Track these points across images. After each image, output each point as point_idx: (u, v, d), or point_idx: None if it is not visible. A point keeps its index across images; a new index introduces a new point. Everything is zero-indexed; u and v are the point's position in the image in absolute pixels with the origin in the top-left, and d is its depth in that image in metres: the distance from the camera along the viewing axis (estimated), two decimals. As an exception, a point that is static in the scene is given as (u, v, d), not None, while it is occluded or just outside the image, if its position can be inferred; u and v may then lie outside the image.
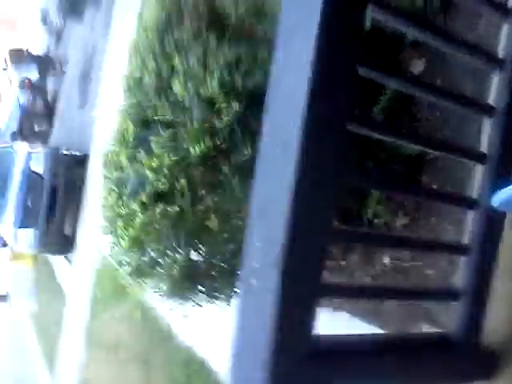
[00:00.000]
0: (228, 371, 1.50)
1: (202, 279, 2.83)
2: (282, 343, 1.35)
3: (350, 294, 1.91)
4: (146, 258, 2.81)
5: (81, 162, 8.80)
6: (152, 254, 2.76)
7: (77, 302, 8.12)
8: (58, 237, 8.92)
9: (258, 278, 1.45)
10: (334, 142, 1.35)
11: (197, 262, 2.72)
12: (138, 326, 5.69)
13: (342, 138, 1.38)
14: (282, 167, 1.33)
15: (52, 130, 13.08)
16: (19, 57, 14.05)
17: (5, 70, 15.21)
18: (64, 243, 8.97)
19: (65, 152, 9.26)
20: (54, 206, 8.79)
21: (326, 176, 1.36)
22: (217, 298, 2.84)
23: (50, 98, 14.21)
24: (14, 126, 13.03)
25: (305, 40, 1.28)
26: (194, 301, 2.87)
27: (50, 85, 14.18)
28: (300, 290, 1.43)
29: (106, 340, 6.81)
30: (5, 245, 13.93)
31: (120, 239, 2.85)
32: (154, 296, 3.15)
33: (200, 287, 2.83)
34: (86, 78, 10.20)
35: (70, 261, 9.26)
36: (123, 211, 2.73)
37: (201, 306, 2.95)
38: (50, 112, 13.59)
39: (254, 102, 2.40)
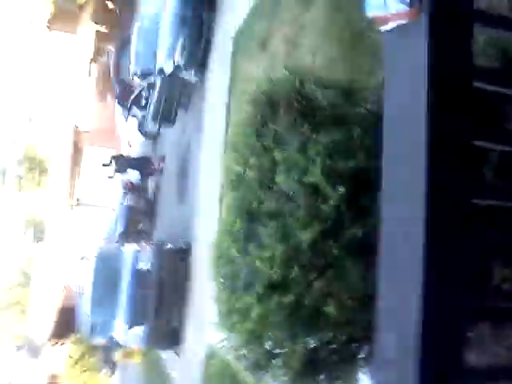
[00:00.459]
0: None
1: (322, 367, 2.76)
2: None
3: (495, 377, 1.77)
4: (262, 351, 2.78)
5: (184, 254, 9.17)
6: (269, 346, 2.74)
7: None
8: (167, 330, 9.18)
9: (393, 368, 1.41)
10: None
11: (315, 349, 2.66)
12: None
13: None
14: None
15: (154, 226, 13.88)
16: (121, 162, 15.32)
17: (111, 177, 16.67)
18: (172, 337, 9.18)
19: (169, 246, 9.70)
20: (162, 300, 9.11)
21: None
22: (339, 385, 2.74)
23: (150, 196, 15.27)
24: (121, 227, 14.00)
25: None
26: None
27: (150, 184, 15.28)
28: (441, 379, 1.36)
29: None
30: (119, 343, 14.54)
31: (236, 333, 2.87)
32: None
33: (321, 376, 2.76)
34: (182, 175, 10.89)
35: (178, 354, 9.40)
36: (238, 305, 2.76)
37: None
38: (151, 210, 14.51)
39: (358, 182, 2.44)
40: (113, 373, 18.48)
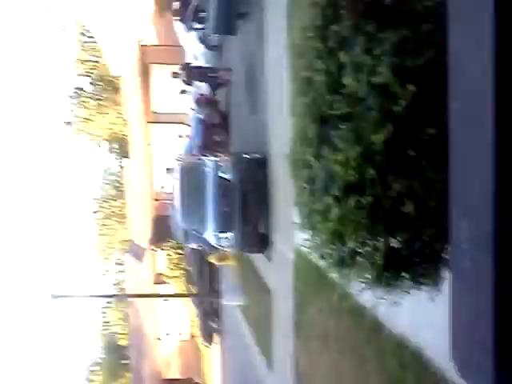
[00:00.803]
0: (450, 355, 1.50)
1: (405, 266, 2.79)
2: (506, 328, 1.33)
3: None
4: (346, 249, 2.86)
5: (262, 163, 9.37)
6: (352, 244, 2.81)
7: (281, 295, 8.64)
8: (255, 236, 9.65)
9: (469, 260, 1.45)
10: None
11: (398, 249, 2.72)
12: (344, 317, 5.77)
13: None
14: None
15: (230, 138, 14.14)
16: (188, 71, 15.35)
17: (183, 92, 16.87)
18: (261, 241, 9.65)
19: (247, 156, 9.91)
20: (246, 207, 9.48)
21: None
22: (424, 283, 2.80)
23: (222, 108, 15.40)
24: (198, 140, 14.41)
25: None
26: (400, 288, 2.85)
27: (221, 97, 15.34)
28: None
29: (314, 331, 7.07)
30: (213, 248, 15.56)
31: (318, 232, 2.97)
32: (358, 286, 3.14)
33: (405, 274, 2.80)
34: (251, 85, 10.82)
35: (268, 258, 9.87)
36: (318, 207, 2.85)
37: (408, 292, 2.92)
38: (225, 121, 14.70)
39: (428, 80, 2.36)
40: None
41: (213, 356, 22.33)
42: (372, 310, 4.52)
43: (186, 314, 28.80)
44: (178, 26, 15.71)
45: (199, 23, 13.91)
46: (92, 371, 65.72)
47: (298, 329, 7.64)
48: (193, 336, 29.05)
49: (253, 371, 11.67)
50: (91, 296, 17.30)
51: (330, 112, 2.77)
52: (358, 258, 2.79)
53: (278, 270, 8.90)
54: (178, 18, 14.87)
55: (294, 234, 7.07)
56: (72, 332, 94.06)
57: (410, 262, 2.72)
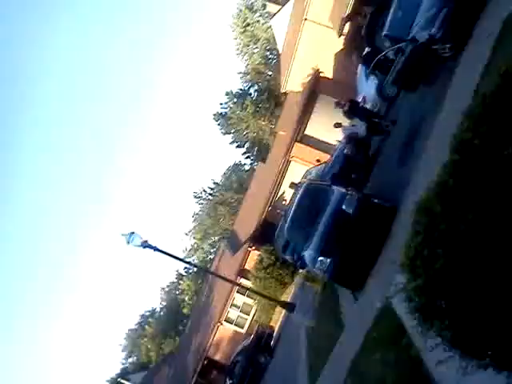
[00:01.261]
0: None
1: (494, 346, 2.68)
2: None
3: None
4: (433, 302, 2.81)
5: (386, 212, 9.36)
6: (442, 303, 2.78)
7: (352, 334, 8.63)
8: (351, 272, 9.69)
9: None
10: None
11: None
12: (403, 372, 5.72)
13: None
14: None
15: (367, 182, 14.24)
16: (354, 106, 15.72)
17: (338, 125, 17.33)
18: (355, 279, 9.67)
19: (375, 200, 10.00)
20: (354, 245, 9.54)
21: None
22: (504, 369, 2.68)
23: (371, 152, 15.55)
24: (336, 170, 14.73)
25: None
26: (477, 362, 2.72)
27: (375, 142, 15.51)
28: None
29: (367, 377, 7.05)
30: (302, 267, 15.80)
31: (416, 276, 2.95)
32: (432, 342, 3.00)
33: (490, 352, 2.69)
34: (409, 142, 10.87)
35: (356, 298, 9.83)
36: (425, 252, 2.87)
37: (484, 369, 2.77)
38: (368, 165, 14.84)
39: None
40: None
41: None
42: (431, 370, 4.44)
43: (252, 311, 29.50)
44: (361, 68, 16.14)
45: (382, 72, 14.19)
46: (148, 321, 68.89)
47: (354, 367, 7.61)
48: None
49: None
50: (178, 259, 17.49)
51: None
52: (443, 316, 2.72)
53: (360, 312, 8.88)
54: (363, 61, 15.24)
55: (389, 286, 7.05)
56: (142, 279, 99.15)
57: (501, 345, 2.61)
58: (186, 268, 70.42)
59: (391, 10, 11.66)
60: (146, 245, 13.66)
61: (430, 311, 2.84)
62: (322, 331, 11.26)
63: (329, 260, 9.95)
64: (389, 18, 11.64)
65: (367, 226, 9.39)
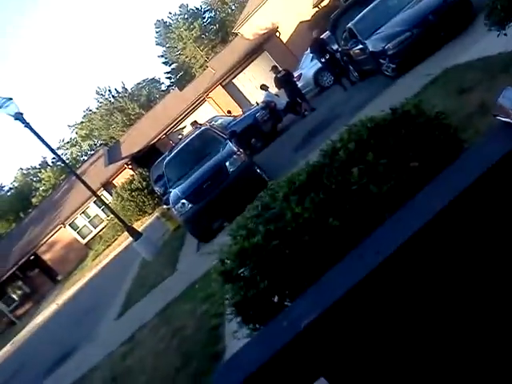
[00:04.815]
0: None
1: None
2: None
3: None
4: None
5: (262, 184, 9.84)
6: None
7: (179, 280, 9.03)
8: (205, 225, 10.12)
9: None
10: None
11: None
12: (200, 325, 6.24)
13: None
14: None
15: (261, 150, 14.73)
16: (284, 82, 15.98)
17: (263, 88, 17.55)
18: (206, 232, 10.12)
19: (258, 170, 10.42)
20: (220, 202, 9.90)
21: None
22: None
23: (279, 127, 16.04)
24: (240, 128, 15.02)
25: None
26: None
27: (286, 120, 16.01)
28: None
29: (171, 321, 7.52)
30: (166, 204, 16.01)
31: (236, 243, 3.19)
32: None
33: None
34: (313, 133, 11.45)
35: (198, 249, 10.29)
36: (251, 226, 3.12)
37: None
38: (270, 137, 15.34)
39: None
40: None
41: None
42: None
43: (100, 226, 29.65)
44: (311, 48, 16.42)
45: (326, 61, 14.57)
46: None
47: (164, 310, 8.05)
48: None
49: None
50: (47, 146, 16.85)
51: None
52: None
53: (193, 262, 9.31)
54: (311, 48, 15.51)
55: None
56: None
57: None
58: (53, 158, 67.35)
59: (366, 9, 12.09)
60: (18, 117, 12.92)
61: (231, 275, 2.88)
62: (155, 268, 11.63)
63: (190, 205, 10.26)
64: (360, 14, 12.07)
65: (239, 190, 9.72)
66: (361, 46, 11.76)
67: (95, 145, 66.25)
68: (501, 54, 6.15)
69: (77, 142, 68.29)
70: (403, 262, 1.37)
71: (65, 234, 30.77)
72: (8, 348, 22.56)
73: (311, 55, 17.20)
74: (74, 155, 65.51)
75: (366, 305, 1.33)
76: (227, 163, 10.31)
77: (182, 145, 13.11)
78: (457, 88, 6.52)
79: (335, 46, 14.37)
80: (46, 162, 67.26)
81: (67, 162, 66.27)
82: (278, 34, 30.53)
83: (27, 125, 13.06)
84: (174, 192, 10.92)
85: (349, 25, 12.39)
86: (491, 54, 6.48)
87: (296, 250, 2.28)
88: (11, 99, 12.84)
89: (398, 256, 1.35)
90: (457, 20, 9.71)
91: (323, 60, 14.49)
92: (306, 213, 2.32)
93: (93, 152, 55.86)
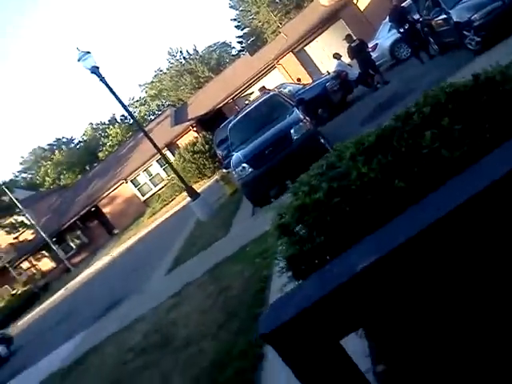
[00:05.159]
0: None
1: None
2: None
3: None
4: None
5: (324, 141, 9.92)
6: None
7: (231, 242, 9.17)
8: (263, 190, 10.17)
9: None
10: None
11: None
12: (251, 285, 6.36)
13: None
14: None
15: (329, 121, 14.51)
16: (358, 52, 15.59)
17: (337, 57, 17.16)
18: (262, 198, 10.17)
19: (322, 140, 10.30)
20: (280, 168, 9.90)
21: None
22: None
23: (349, 98, 15.71)
24: (308, 96, 14.84)
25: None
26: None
27: (358, 91, 15.63)
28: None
29: (220, 278, 7.70)
30: (226, 168, 16.20)
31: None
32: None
33: None
34: (384, 106, 11.14)
35: (253, 213, 10.40)
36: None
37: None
38: (339, 108, 15.07)
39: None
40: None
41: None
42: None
43: (160, 185, 30.26)
44: (389, 18, 15.82)
45: (406, 32, 14.02)
46: (60, 148, 67.89)
47: (214, 269, 8.23)
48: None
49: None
50: (120, 101, 17.34)
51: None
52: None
53: (249, 226, 9.38)
54: (397, 11, 14.92)
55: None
56: (75, 104, 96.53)
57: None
58: (122, 116, 69.49)
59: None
60: (95, 71, 13.34)
61: (288, 229, 2.74)
62: (209, 229, 11.85)
63: (250, 170, 10.31)
64: None
65: (301, 159, 9.63)
66: (444, 16, 11.20)
67: (163, 105, 67.62)
68: None
69: (146, 101, 69.96)
70: (460, 222, 1.33)
71: (126, 190, 31.92)
72: (62, 292, 23.99)
73: (389, 24, 16.60)
74: (142, 114, 67.21)
75: (423, 257, 1.30)
76: (292, 130, 10.22)
77: (249, 109, 13.10)
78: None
79: (416, 16, 13.78)
80: (115, 119, 69.56)
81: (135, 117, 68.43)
82: (355, 1, 29.61)
83: (102, 79, 13.46)
84: (236, 155, 10.98)
85: (434, -7, 11.80)
86: None
87: (357, 209, 2.23)
88: (89, 53, 13.25)
89: (456, 215, 1.32)
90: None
91: (402, 30, 13.95)
92: (371, 173, 2.26)
93: (160, 112, 57.13)
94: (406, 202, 1.99)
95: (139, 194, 31.90)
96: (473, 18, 9.82)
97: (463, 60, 9.87)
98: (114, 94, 13.68)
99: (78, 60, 13.12)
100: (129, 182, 31.75)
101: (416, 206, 1.51)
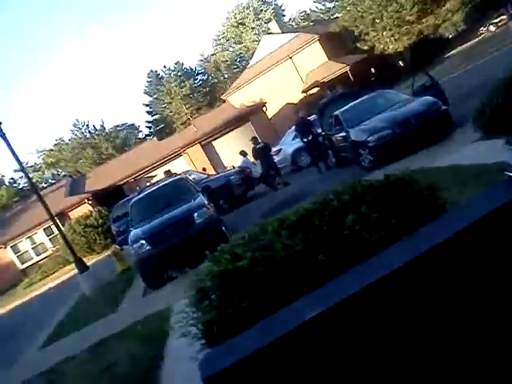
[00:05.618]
0: None
1: None
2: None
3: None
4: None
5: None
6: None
7: (118, 319, 8.69)
8: (160, 270, 9.94)
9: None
10: None
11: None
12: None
13: None
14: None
15: (228, 212, 14.78)
16: (261, 154, 16.44)
17: (242, 154, 17.95)
18: (158, 278, 9.92)
19: (223, 228, 10.44)
20: (178, 249, 9.76)
21: None
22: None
23: (248, 194, 16.18)
24: (212, 185, 15.22)
25: None
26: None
27: (258, 189, 16.17)
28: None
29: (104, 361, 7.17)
30: (120, 244, 15.62)
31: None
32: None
33: None
34: (279, 208, 11.65)
35: (145, 294, 10.01)
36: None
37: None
38: (238, 202, 15.48)
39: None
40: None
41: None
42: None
43: (43, 255, 28.16)
44: (295, 127, 17.08)
45: (309, 142, 15.19)
46: None
47: (96, 348, 7.68)
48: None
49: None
50: (20, 163, 16.67)
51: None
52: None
53: (139, 305, 9.02)
54: (302, 123, 16.17)
55: (180, 296, 7.35)
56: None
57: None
58: (11, 179, 65.56)
59: (356, 101, 12.88)
60: (-4, 126, 12.79)
61: (208, 294, 2.72)
62: (94, 304, 11.17)
63: (148, 247, 10.08)
64: (349, 104, 12.84)
65: (200, 243, 9.56)
66: (344, 134, 12.35)
67: (58, 175, 65.03)
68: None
69: (40, 167, 66.95)
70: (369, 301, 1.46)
71: (3, 255, 29.42)
72: None
73: (293, 134, 17.88)
74: (35, 180, 63.85)
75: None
76: (195, 214, 10.30)
77: (154, 188, 13.07)
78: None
79: (319, 130, 15.01)
80: (3, 181, 65.31)
81: (26, 185, 64.64)
82: (264, 108, 31.69)
83: (3, 135, 12.88)
84: (135, 231, 10.74)
85: (336, 112, 13.06)
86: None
87: (281, 279, 2.31)
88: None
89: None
90: (436, 129, 10.45)
91: (305, 140, 15.06)
92: (297, 246, 2.38)
93: (54, 182, 54.73)
94: (329, 274, 2.11)
95: (18, 262, 29.48)
96: (368, 139, 10.98)
97: (356, 175, 10.78)
98: (13, 153, 13.08)
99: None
100: (8, 247, 29.34)
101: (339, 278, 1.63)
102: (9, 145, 12.98)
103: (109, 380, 5.83)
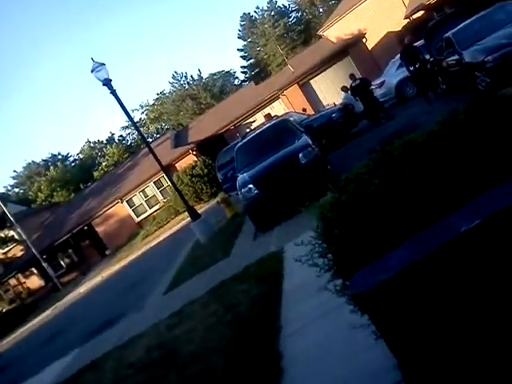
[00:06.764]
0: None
1: None
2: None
3: None
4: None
5: (330, 180, 9.79)
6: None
7: (233, 263, 9.04)
8: (268, 214, 10.13)
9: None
10: None
11: None
12: (257, 302, 6.24)
13: None
14: None
15: (331, 152, 14.61)
16: (359, 91, 15.87)
17: (345, 89, 17.42)
18: (267, 221, 10.14)
19: (328, 166, 10.32)
20: (287, 192, 9.82)
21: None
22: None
23: (353, 131, 15.81)
24: (314, 124, 14.99)
25: None
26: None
27: (362, 124, 15.76)
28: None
29: (224, 300, 7.55)
30: (226, 191, 16.14)
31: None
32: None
33: None
34: (388, 140, 11.18)
35: (255, 237, 10.27)
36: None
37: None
38: (342, 139, 15.24)
39: None
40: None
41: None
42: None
43: (155, 207, 30.08)
44: (399, 56, 16.14)
45: (415, 71, 14.28)
46: (56, 164, 67.51)
47: (217, 288, 8.10)
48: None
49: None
50: (129, 117, 17.59)
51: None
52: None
53: (251, 249, 9.30)
54: (401, 56, 15.21)
55: (291, 238, 7.44)
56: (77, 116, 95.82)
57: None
58: (120, 136, 69.66)
59: (469, 19, 11.73)
60: (107, 83, 13.32)
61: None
62: (208, 250, 11.72)
63: (256, 191, 10.25)
64: (462, 24, 11.73)
65: (308, 183, 9.61)
66: (456, 57, 11.43)
67: (162, 128, 67.92)
68: None
69: (145, 123, 70.30)
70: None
71: (120, 210, 31.68)
72: (50, 312, 23.40)
73: (398, 63, 16.92)
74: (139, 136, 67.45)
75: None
76: (300, 154, 10.25)
77: (258, 131, 13.13)
78: None
79: (427, 56, 14.04)
80: (113, 139, 69.64)
81: (132, 141, 68.49)
82: (364, 40, 30.24)
83: (113, 92, 13.47)
84: (243, 176, 10.94)
85: (447, 34, 12.07)
86: None
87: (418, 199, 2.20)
88: (104, 64, 13.23)
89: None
90: None
91: (412, 68, 14.19)
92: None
93: (158, 135, 57.29)
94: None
95: (134, 215, 31.67)
96: (486, 59, 10.01)
97: (470, 101, 9.99)
98: (123, 108, 13.68)
99: (92, 71, 13.13)
100: (124, 201, 31.55)
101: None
102: (119, 101, 13.60)
103: (234, 317, 6.14)
